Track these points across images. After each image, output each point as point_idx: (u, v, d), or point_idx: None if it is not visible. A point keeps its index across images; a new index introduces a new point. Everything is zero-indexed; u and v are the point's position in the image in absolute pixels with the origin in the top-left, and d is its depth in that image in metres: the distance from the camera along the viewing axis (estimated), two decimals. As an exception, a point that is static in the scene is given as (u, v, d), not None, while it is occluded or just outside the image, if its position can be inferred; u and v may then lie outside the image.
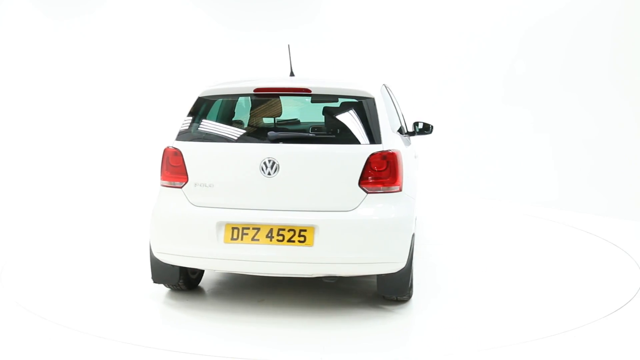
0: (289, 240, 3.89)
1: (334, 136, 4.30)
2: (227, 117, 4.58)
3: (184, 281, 4.49)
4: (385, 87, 5.21)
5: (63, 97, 12.52)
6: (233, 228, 3.97)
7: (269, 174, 3.97)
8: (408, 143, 5.20)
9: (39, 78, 12.54)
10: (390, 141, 4.15)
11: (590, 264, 5.48)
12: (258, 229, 3.93)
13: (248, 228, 3.95)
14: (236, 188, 4.04)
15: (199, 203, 4.09)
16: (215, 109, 4.51)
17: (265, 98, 4.87)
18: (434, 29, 9.95)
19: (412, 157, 5.18)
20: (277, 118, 5.35)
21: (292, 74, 5.00)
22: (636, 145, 7.70)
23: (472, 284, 4.93)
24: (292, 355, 3.58)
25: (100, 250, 5.85)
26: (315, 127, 4.78)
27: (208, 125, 4.40)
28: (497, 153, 9.09)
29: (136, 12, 12.48)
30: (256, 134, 4.72)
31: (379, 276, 4.16)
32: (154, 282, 4.43)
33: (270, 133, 4.19)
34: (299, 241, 3.88)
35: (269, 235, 3.91)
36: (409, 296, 4.38)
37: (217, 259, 4.03)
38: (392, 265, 4.02)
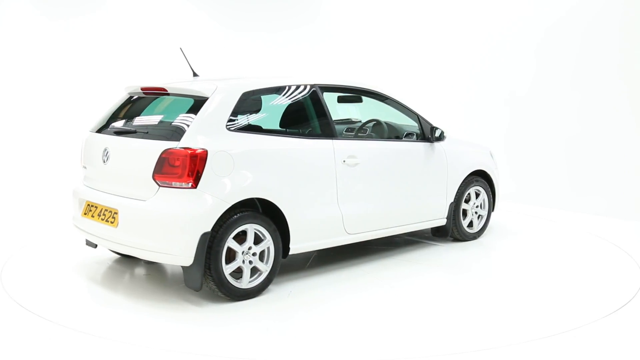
0: (107, 220, 4.50)
1: (147, 131, 4.55)
2: (131, 113, 4.98)
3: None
4: (320, 89, 5.00)
5: (62, 97, 12.53)
6: (87, 205, 4.76)
7: (104, 161, 4.65)
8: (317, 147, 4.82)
9: (38, 78, 12.54)
10: (198, 139, 4.23)
11: (590, 264, 5.48)
12: (96, 207, 4.65)
13: (93, 206, 4.69)
14: (91, 172, 4.87)
15: (85, 182, 4.98)
16: (129, 104, 5.02)
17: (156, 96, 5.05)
18: (433, 30, 9.95)
19: (327, 161, 4.82)
20: None
21: (195, 75, 5.35)
22: (636, 146, 7.70)
23: (471, 284, 4.93)
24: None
25: (100, 248, 5.85)
26: (146, 123, 4.84)
27: (106, 118, 4.98)
28: (496, 153, 9.07)
29: (136, 12, 12.48)
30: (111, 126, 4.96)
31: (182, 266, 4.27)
32: (86, 244, 5.09)
33: (111, 126, 4.82)
34: (110, 222, 4.47)
35: (100, 213, 4.59)
36: (229, 294, 4.30)
37: (78, 229, 4.89)
38: (175, 258, 4.21)
